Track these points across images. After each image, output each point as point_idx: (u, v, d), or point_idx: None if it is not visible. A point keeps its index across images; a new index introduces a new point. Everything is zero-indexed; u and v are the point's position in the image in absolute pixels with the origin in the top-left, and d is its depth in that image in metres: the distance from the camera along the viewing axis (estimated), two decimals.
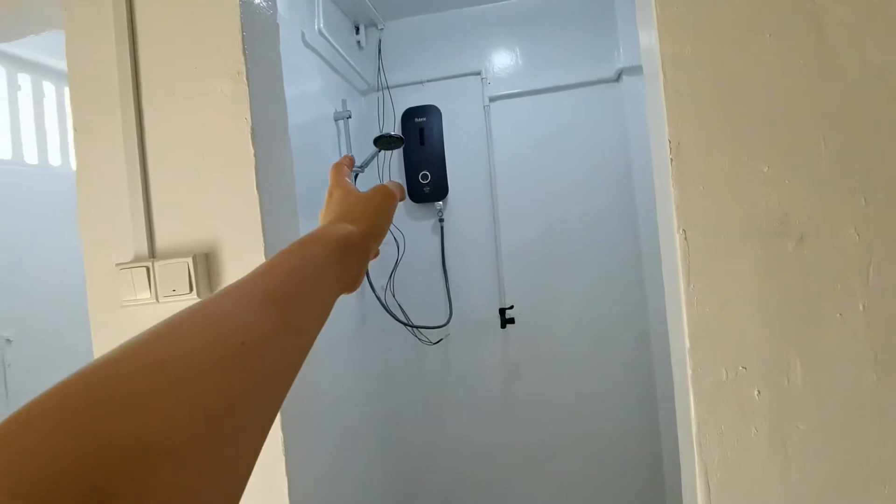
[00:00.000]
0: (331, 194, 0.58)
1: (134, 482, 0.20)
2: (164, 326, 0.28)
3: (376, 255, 0.55)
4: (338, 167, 0.62)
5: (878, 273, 0.78)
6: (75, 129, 1.04)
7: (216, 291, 0.34)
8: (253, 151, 0.96)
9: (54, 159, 1.86)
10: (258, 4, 1.04)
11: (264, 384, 0.30)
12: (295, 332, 0.35)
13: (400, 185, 0.61)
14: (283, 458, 0.95)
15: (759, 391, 0.80)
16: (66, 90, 1.89)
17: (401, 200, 0.60)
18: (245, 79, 0.96)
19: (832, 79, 0.79)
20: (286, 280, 0.37)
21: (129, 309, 1.00)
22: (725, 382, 0.81)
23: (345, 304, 2.13)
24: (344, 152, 2.19)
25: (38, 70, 1.81)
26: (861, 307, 0.78)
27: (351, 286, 0.47)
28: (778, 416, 0.80)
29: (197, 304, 0.31)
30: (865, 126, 0.78)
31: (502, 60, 2.51)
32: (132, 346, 0.26)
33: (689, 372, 0.82)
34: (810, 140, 0.79)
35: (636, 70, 2.23)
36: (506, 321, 2.44)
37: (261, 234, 0.96)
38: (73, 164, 1.88)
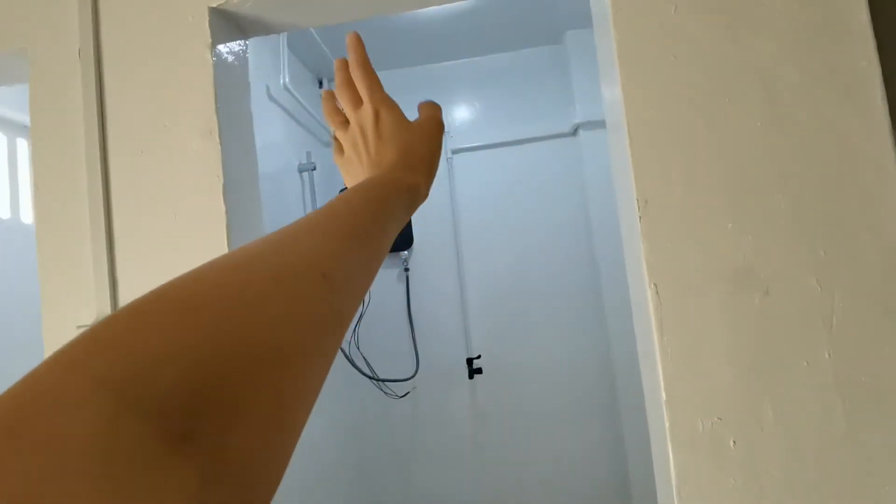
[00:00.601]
0: (377, 115, 0.48)
1: (241, 386, 0.21)
2: (242, 255, 0.28)
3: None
4: (363, 65, 0.50)
5: (840, 322, 0.81)
6: (36, 186, 1.01)
7: (290, 225, 0.33)
8: (224, 208, 0.95)
9: (3, 212, 1.79)
10: (230, 62, 1.04)
11: (339, 306, 0.31)
12: (367, 266, 0.35)
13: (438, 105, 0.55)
14: None
15: (734, 441, 0.82)
16: (19, 141, 1.84)
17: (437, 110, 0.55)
18: (217, 137, 0.96)
19: (785, 138, 0.84)
20: (364, 217, 0.37)
21: None
22: (702, 433, 0.82)
23: None
24: (308, 204, 2.19)
25: None
26: (827, 355, 0.81)
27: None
28: (753, 465, 0.81)
29: (275, 234, 0.31)
30: (820, 181, 0.83)
31: (463, 115, 2.58)
32: (220, 266, 0.26)
33: (667, 423, 0.82)
34: (769, 196, 0.83)
35: (592, 125, 2.33)
36: (473, 371, 2.43)
37: None
38: (24, 218, 1.81)
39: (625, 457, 2.32)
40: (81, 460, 0.15)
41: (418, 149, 0.47)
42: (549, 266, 2.46)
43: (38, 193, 1.02)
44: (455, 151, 2.53)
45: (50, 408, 0.16)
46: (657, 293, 0.83)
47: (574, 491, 2.39)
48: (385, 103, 0.49)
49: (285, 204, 2.02)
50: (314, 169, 2.18)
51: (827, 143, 0.83)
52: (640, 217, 0.84)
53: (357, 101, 0.50)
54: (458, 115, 2.58)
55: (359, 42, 0.50)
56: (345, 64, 0.51)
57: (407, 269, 2.50)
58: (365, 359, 2.42)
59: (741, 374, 0.82)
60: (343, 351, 2.30)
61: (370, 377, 2.38)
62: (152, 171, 0.99)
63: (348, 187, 0.45)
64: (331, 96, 0.54)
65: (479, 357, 2.44)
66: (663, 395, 0.82)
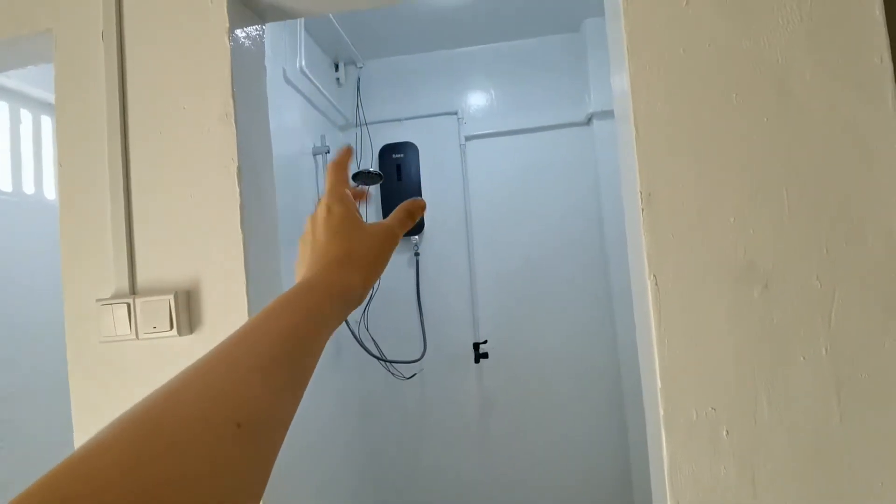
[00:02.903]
0: (329, 210, 0.48)
1: None
2: (163, 393, 0.27)
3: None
4: (337, 167, 0.52)
5: (839, 318, 0.82)
6: (59, 164, 1.05)
7: (215, 348, 0.32)
8: (238, 190, 0.98)
9: (28, 187, 1.83)
10: (247, 47, 1.06)
11: (257, 457, 0.29)
12: (291, 393, 0.34)
13: (419, 205, 0.55)
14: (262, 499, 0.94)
15: (727, 430, 0.84)
16: (43, 118, 1.88)
17: (412, 219, 0.54)
18: (233, 120, 0.98)
19: (795, 135, 0.84)
20: (287, 339, 0.35)
21: (108, 345, 0.99)
22: (696, 422, 0.84)
23: None
24: (322, 185, 2.21)
25: (17, 98, 1.80)
26: (824, 351, 0.82)
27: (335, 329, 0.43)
28: (746, 455, 0.83)
29: (193, 368, 0.30)
30: (826, 179, 0.83)
31: (478, 101, 2.58)
32: (131, 414, 0.26)
33: (661, 411, 0.85)
34: (774, 192, 0.84)
35: (606, 115, 2.32)
36: (479, 356, 2.46)
37: (243, 271, 0.97)
38: (48, 194, 1.86)
39: (627, 444, 2.35)
40: None
41: (361, 250, 0.47)
42: (558, 255, 2.48)
43: (61, 170, 1.06)
44: (469, 138, 2.54)
45: None
46: (657, 284, 0.85)
47: (577, 476, 2.43)
48: (340, 200, 0.49)
49: (299, 186, 2.05)
50: (328, 152, 2.21)
51: (837, 141, 0.84)
52: (642, 209, 0.85)
53: (330, 190, 0.52)
54: (473, 102, 2.59)
55: (347, 150, 0.54)
56: (349, 154, 0.55)
57: (417, 254, 2.52)
58: (374, 340, 2.46)
59: (737, 366, 0.84)
60: (353, 332, 2.33)
61: (378, 358, 2.42)
62: (170, 151, 1.01)
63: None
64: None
65: (485, 342, 2.47)
66: (659, 383, 0.84)
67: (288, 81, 1.99)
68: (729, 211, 0.85)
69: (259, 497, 0.29)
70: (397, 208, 0.54)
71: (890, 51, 0.84)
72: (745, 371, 0.84)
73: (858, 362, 0.82)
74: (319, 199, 0.51)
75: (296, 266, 0.50)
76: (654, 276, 0.85)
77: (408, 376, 2.49)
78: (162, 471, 0.23)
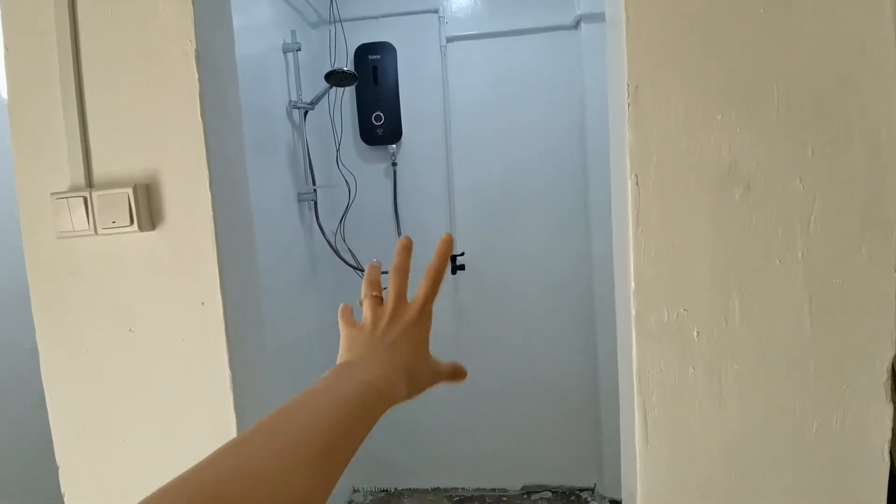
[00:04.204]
0: (419, 322, 0.54)
1: None
2: (206, 464, 0.30)
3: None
4: (438, 274, 0.57)
5: (818, 222, 0.81)
6: (6, 49, 0.96)
7: (264, 427, 0.35)
8: (197, 76, 0.91)
9: None
10: None
11: None
12: (333, 477, 0.36)
13: (463, 373, 0.58)
14: (234, 411, 0.95)
15: (697, 332, 0.84)
16: None
17: (453, 381, 0.57)
18: None
19: (788, 31, 0.80)
20: (339, 433, 0.38)
21: (65, 241, 0.95)
22: (667, 323, 0.84)
23: (295, 250, 2.10)
24: (293, 85, 2.11)
25: None
26: (800, 255, 0.81)
27: None
28: (714, 356, 0.84)
29: (242, 449, 0.32)
30: (818, 80, 0.79)
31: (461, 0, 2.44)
32: (171, 484, 0.28)
33: (633, 312, 0.84)
34: (764, 91, 0.80)
35: (595, 17, 2.21)
36: (456, 268, 2.46)
37: (205, 165, 0.92)
38: (3, 90, 1.74)
39: (595, 353, 2.42)
40: None
41: (423, 373, 0.52)
42: (538, 166, 2.43)
43: (8, 56, 0.98)
44: (450, 39, 2.41)
45: None
46: (637, 184, 0.82)
47: (546, 383, 2.52)
48: (429, 317, 0.54)
49: (269, 84, 1.95)
50: (299, 49, 2.08)
51: (831, 42, 0.79)
52: (628, 105, 0.81)
53: (404, 290, 0.55)
54: (456, 0, 2.44)
55: (449, 246, 0.59)
56: (409, 250, 0.58)
57: (395, 164, 2.46)
58: (350, 250, 2.44)
59: (712, 268, 0.83)
60: (329, 242, 2.31)
61: (354, 267, 2.41)
62: (124, 33, 0.93)
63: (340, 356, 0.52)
64: (378, 268, 0.59)
65: (462, 254, 2.46)
66: (632, 284, 0.83)
67: None
68: (716, 108, 0.81)
69: None
70: (454, 367, 0.58)
71: None
72: (719, 273, 0.83)
73: (834, 269, 0.81)
74: (395, 295, 0.54)
75: (349, 339, 0.54)
76: (636, 175, 0.82)
77: (384, 286, 2.49)
78: None
